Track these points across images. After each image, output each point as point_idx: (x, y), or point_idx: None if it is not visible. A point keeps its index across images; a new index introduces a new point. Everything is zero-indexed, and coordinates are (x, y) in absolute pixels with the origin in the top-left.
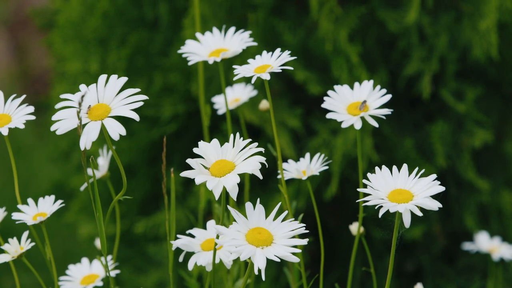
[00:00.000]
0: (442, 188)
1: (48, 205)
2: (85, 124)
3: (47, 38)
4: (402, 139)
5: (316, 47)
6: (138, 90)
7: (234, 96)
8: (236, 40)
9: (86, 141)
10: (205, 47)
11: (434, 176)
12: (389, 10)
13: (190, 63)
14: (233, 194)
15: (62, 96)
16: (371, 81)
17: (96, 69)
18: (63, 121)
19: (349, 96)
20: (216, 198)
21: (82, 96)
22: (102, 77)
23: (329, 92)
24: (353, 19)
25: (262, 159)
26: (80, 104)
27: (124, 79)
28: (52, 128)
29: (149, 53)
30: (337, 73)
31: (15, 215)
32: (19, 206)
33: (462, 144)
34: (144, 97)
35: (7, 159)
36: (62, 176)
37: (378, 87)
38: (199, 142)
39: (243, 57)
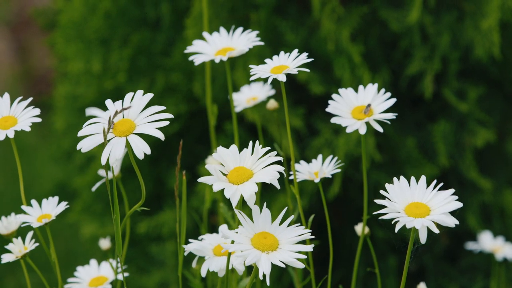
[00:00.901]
0: (460, 204)
1: (52, 206)
2: (109, 140)
3: (49, 38)
4: (405, 139)
5: (318, 46)
6: (163, 108)
7: (252, 95)
8: (243, 40)
9: (109, 156)
10: (211, 46)
11: (452, 190)
12: (391, 10)
13: (196, 63)
14: (251, 202)
15: (89, 112)
16: (376, 85)
17: (98, 69)
18: (87, 138)
19: (354, 100)
20: (234, 206)
21: (115, 114)
22: (129, 95)
23: (334, 96)
24: (355, 19)
25: (281, 168)
26: (110, 121)
27: (150, 96)
28: (78, 147)
29: (151, 53)
30: (339, 72)
31: (20, 217)
32: (23, 207)
33: (465, 144)
34: (170, 115)
35: (10, 160)
36: (64, 176)
37: (383, 90)
38: (217, 148)
39: (245, 57)
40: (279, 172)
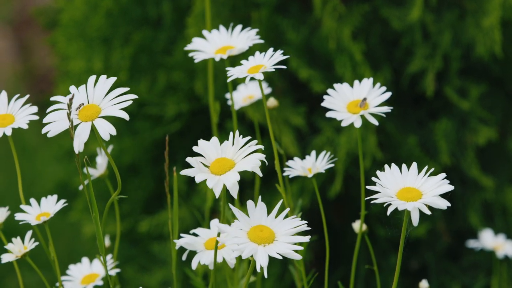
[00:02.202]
0: (451, 187)
1: (51, 205)
2: (76, 125)
3: (51, 37)
4: (406, 137)
5: (320, 45)
6: (127, 89)
7: (248, 93)
8: (242, 38)
9: (78, 143)
10: (211, 44)
11: (444, 175)
12: (393, 8)
13: (196, 61)
14: (233, 192)
15: (53, 98)
16: (371, 79)
17: (100, 67)
18: (54, 123)
19: (349, 94)
20: (217, 196)
21: (71, 99)
22: (92, 78)
23: (329, 91)
24: (356, 17)
25: (262, 156)
26: (69, 106)
27: (113, 79)
28: (43, 131)
29: (153, 51)
30: (340, 71)
31: (18, 216)
32: (22, 206)
33: (466, 142)
34: (133, 96)
35: (12, 159)
36: (66, 175)
37: (378, 84)
38: (198, 141)
39: (246, 55)
40: (265, 163)
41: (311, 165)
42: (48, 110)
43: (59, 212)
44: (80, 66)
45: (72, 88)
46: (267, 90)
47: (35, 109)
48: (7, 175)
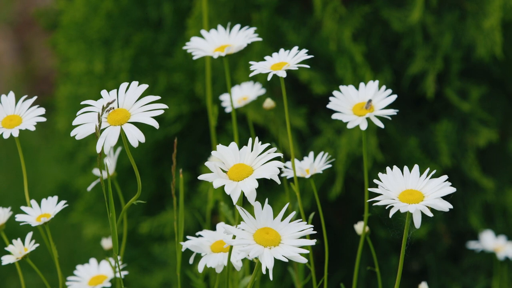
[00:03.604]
0: (453, 189)
1: (51, 206)
2: (103, 128)
3: (52, 39)
4: (407, 138)
5: (320, 46)
6: (158, 97)
7: (242, 95)
8: (241, 36)
9: (104, 145)
10: (210, 43)
11: (445, 177)
12: (393, 9)
13: (194, 58)
14: (251, 198)
15: (84, 102)
16: (377, 81)
17: (100, 69)
18: (82, 126)
19: (355, 97)
20: (234, 202)
21: (109, 102)
22: (124, 84)
23: (335, 93)
24: (357, 19)
25: (281, 164)
26: (104, 108)
27: (145, 86)
28: (72, 134)
29: (153, 53)
30: (341, 72)
31: (19, 217)
32: (23, 207)
33: (467, 143)
34: (164, 105)
35: (13, 160)
36: (67, 176)
37: (384, 87)
38: (217, 146)
39: (247, 56)
40: (279, 168)
41: (308, 166)
42: (78, 113)
43: (60, 213)
44: (81, 67)
45: (104, 92)
46: (261, 91)
47: (42, 110)
48: (8, 176)
